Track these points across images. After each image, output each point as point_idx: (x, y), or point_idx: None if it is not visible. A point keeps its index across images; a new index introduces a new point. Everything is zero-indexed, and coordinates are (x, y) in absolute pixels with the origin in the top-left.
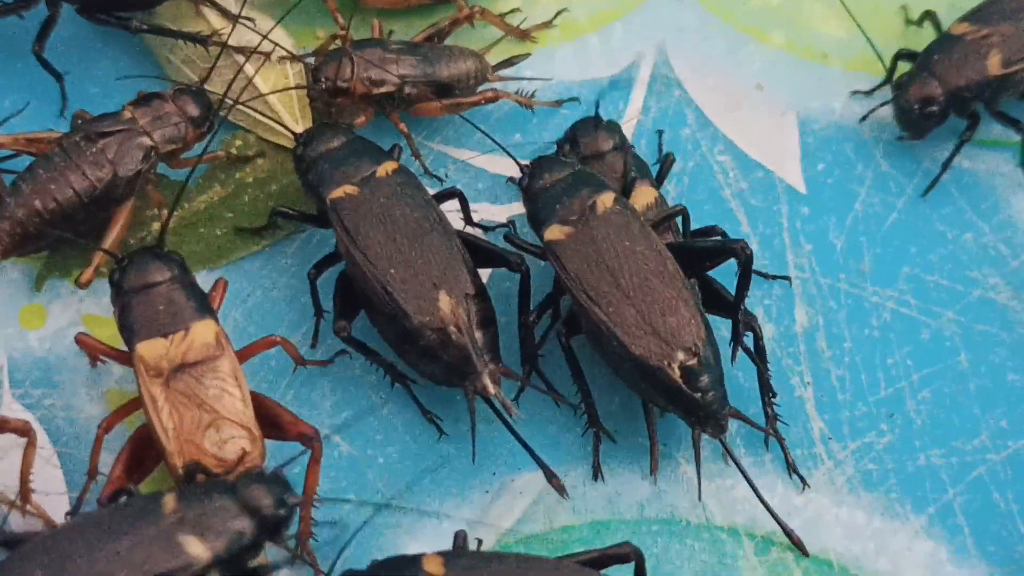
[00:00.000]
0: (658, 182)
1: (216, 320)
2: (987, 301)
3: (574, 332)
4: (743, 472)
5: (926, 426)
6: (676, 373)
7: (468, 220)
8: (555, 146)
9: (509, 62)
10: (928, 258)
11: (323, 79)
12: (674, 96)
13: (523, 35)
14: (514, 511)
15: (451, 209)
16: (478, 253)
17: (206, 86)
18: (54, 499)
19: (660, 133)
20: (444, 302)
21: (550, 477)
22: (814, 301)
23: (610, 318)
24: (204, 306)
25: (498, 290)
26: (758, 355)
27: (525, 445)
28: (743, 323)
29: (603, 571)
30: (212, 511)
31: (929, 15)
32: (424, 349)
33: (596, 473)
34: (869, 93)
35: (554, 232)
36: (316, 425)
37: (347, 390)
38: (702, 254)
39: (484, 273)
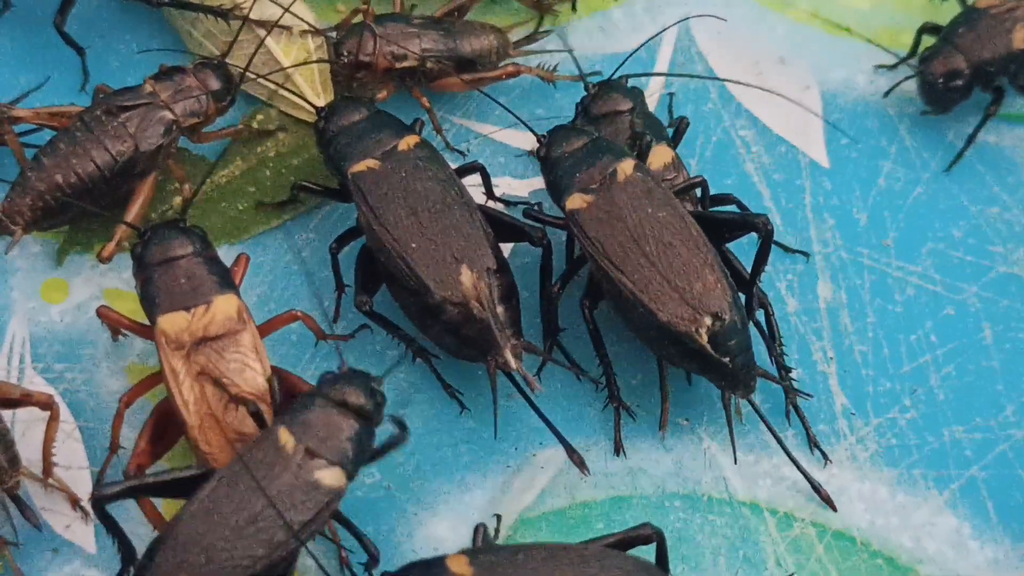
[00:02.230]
0: (674, 143)
1: (238, 294)
2: (1011, 276)
3: (596, 304)
4: (771, 430)
5: (949, 402)
6: (704, 338)
7: (490, 194)
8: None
9: (530, 38)
10: (952, 233)
11: (345, 53)
12: (696, 70)
13: (543, 8)
14: (535, 486)
15: (473, 184)
16: (499, 227)
17: (227, 60)
18: (75, 473)
19: (671, 96)
20: (466, 276)
21: (571, 453)
22: (837, 276)
23: (635, 285)
24: (226, 280)
25: (518, 264)
26: (769, 333)
27: (546, 421)
28: (757, 298)
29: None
30: (326, 431)
31: None
32: (446, 324)
33: (618, 449)
34: (893, 67)
35: (575, 201)
36: None
37: (368, 365)
38: (722, 226)
39: (505, 248)
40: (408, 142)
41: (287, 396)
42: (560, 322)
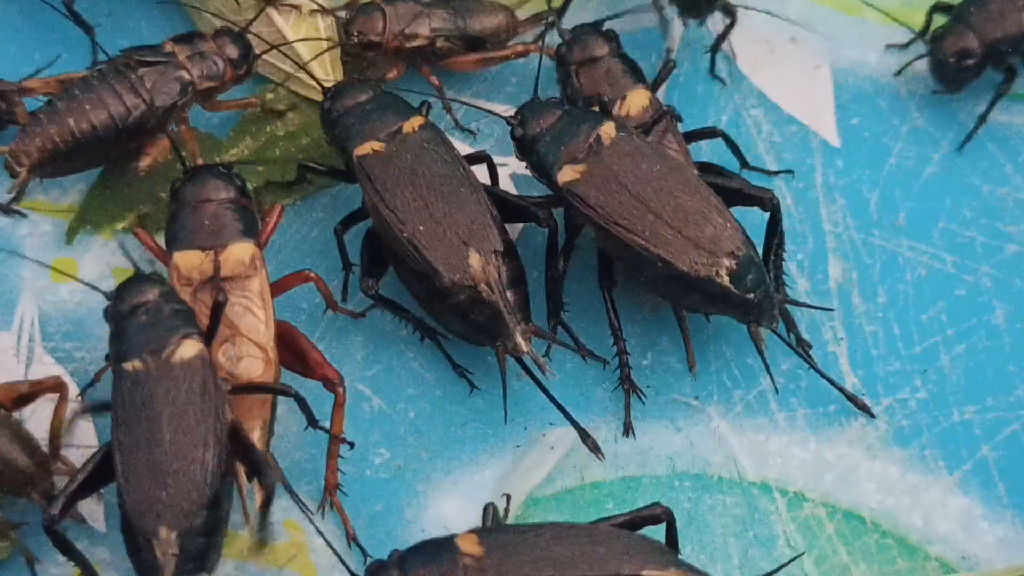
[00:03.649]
0: (655, 87)
1: (258, 244)
2: (1023, 256)
3: (615, 282)
4: (799, 352)
5: (960, 382)
6: (726, 280)
7: (495, 184)
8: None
9: (540, 16)
10: (963, 213)
11: (355, 33)
12: (708, 48)
13: (541, 21)
14: (545, 466)
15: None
16: (505, 209)
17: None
18: (85, 452)
19: (672, 63)
20: (474, 259)
21: (584, 437)
22: (848, 256)
23: (649, 241)
24: (250, 230)
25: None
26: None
27: (558, 405)
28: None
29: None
30: None
31: None
32: (454, 307)
33: (627, 430)
34: (904, 46)
35: (567, 174)
36: (347, 379)
37: (378, 344)
38: (724, 194)
39: (513, 231)
40: (413, 124)
41: (291, 354)
42: (567, 304)
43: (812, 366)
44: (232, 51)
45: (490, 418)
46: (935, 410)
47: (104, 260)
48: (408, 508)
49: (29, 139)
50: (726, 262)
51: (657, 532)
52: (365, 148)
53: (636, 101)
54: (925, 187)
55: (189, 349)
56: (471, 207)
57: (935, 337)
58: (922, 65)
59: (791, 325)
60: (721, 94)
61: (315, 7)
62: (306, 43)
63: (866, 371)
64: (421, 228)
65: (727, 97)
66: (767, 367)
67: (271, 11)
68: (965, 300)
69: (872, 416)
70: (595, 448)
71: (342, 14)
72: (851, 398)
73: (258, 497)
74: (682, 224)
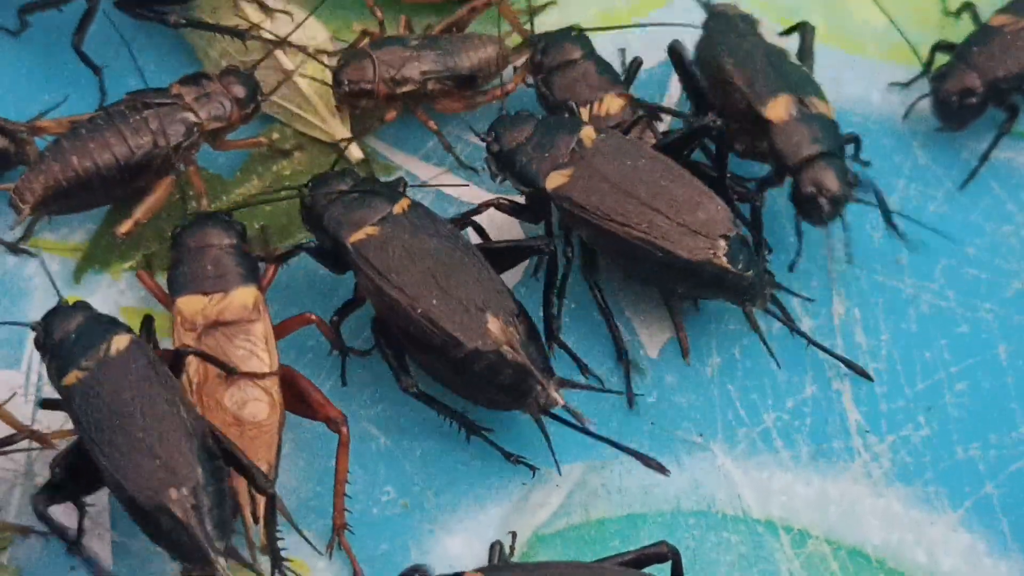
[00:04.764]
0: (626, 85)
1: (260, 288)
2: None
3: (598, 271)
4: (782, 319)
5: (963, 419)
6: (724, 261)
7: (486, 240)
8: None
9: (526, 44)
10: (966, 251)
11: (346, 82)
12: None
13: (526, 34)
14: (551, 503)
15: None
16: (504, 255)
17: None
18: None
19: (622, 51)
20: (493, 324)
21: (647, 463)
22: (851, 293)
23: (648, 233)
24: (252, 274)
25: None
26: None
27: (608, 440)
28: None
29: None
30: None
31: (968, 6)
32: (478, 375)
33: (631, 401)
34: (907, 85)
35: (554, 180)
36: (353, 417)
37: (384, 382)
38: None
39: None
40: (403, 205)
41: (294, 397)
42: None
43: (801, 334)
44: (239, 91)
45: (496, 456)
46: (938, 447)
47: (112, 299)
48: (415, 546)
49: (33, 176)
50: (722, 243)
51: (663, 570)
52: (360, 235)
53: (614, 102)
54: (928, 224)
55: (121, 342)
56: (479, 273)
57: (938, 374)
58: (924, 103)
59: (782, 309)
60: None
61: (319, 49)
62: (312, 83)
63: (870, 408)
64: (434, 302)
65: None
66: (765, 345)
67: (278, 52)
68: (968, 337)
69: (870, 379)
70: (660, 467)
71: (324, 58)
72: (848, 364)
73: (260, 507)
74: (675, 212)
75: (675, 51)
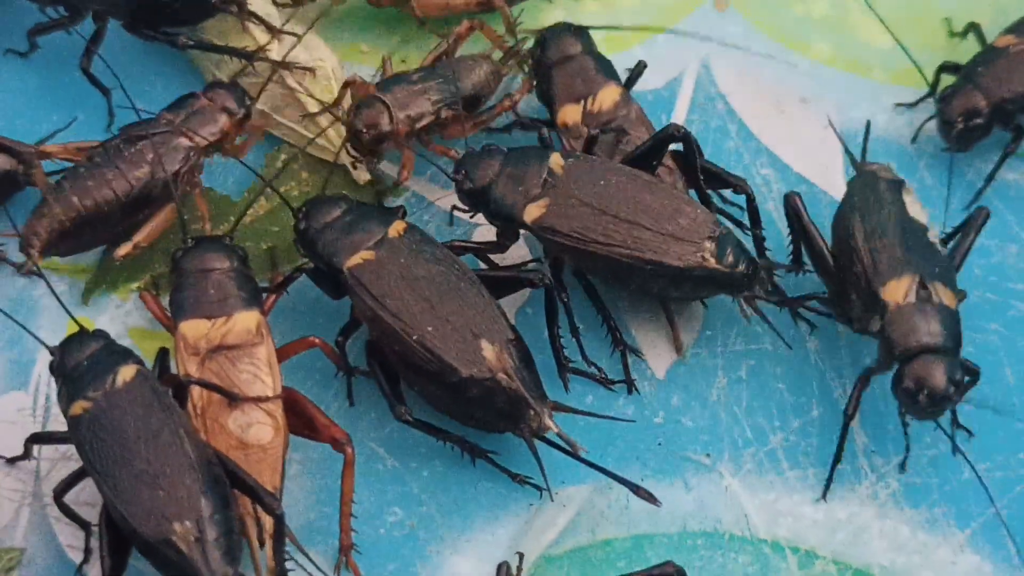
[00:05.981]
0: (628, 86)
1: (262, 312)
2: None
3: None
4: (774, 301)
5: (970, 440)
6: (712, 262)
7: (491, 268)
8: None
9: (511, 51)
10: (972, 271)
11: (364, 130)
12: (717, 109)
13: (513, 56)
14: (558, 523)
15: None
16: (499, 283)
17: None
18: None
19: (643, 64)
20: (488, 350)
21: (635, 490)
22: None
23: (633, 248)
24: (254, 298)
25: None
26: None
27: (599, 468)
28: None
29: None
30: None
31: (973, 27)
32: (473, 400)
33: (630, 387)
34: (913, 106)
35: (532, 212)
36: (360, 438)
37: (384, 407)
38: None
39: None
40: (397, 228)
41: (298, 419)
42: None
43: (789, 307)
44: (226, 100)
45: (502, 477)
46: (945, 468)
47: (120, 320)
48: (422, 567)
49: (36, 220)
50: (708, 245)
51: None
52: (356, 259)
53: (608, 97)
54: None
55: (127, 373)
56: (474, 299)
57: None
58: (930, 124)
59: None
60: (731, 153)
61: (327, 67)
62: (320, 105)
63: (876, 429)
64: (430, 328)
65: (737, 156)
66: (772, 327)
67: (285, 73)
68: (974, 358)
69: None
70: (650, 497)
71: (332, 80)
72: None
73: (266, 530)
74: (657, 224)
75: (791, 204)
